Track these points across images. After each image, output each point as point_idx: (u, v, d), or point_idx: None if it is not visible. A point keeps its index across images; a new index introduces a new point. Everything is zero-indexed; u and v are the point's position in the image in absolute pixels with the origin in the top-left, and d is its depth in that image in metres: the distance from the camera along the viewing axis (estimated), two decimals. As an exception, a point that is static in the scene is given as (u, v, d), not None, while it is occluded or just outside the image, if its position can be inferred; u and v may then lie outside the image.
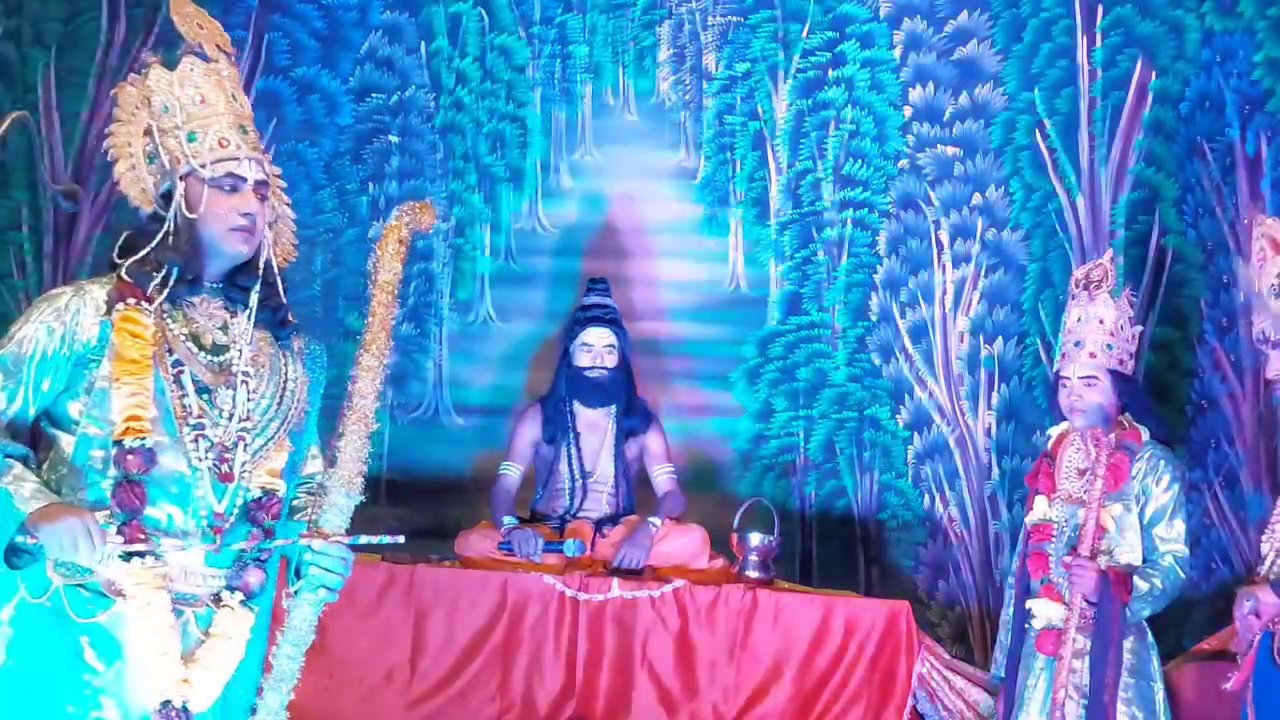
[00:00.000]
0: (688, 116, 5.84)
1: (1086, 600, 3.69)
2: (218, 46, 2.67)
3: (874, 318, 5.69)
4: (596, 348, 5.16)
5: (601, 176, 5.89)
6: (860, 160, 5.71)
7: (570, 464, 5.15)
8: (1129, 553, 3.77)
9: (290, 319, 2.75)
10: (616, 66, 5.88)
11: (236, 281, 2.65)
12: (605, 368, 5.15)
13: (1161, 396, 5.03)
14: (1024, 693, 3.87)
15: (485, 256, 5.92)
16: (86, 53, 5.74)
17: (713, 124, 5.82)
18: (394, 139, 5.90)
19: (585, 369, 5.15)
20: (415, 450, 5.83)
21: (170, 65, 2.64)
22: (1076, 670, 3.71)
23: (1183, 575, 3.75)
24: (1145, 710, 3.73)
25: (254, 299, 2.65)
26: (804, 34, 5.74)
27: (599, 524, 5.02)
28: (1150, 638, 3.81)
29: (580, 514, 5.08)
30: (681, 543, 4.93)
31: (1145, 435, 3.87)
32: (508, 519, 4.93)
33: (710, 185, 5.83)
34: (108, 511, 2.45)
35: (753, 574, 4.84)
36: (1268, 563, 3.29)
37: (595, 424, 5.19)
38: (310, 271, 5.82)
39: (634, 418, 5.19)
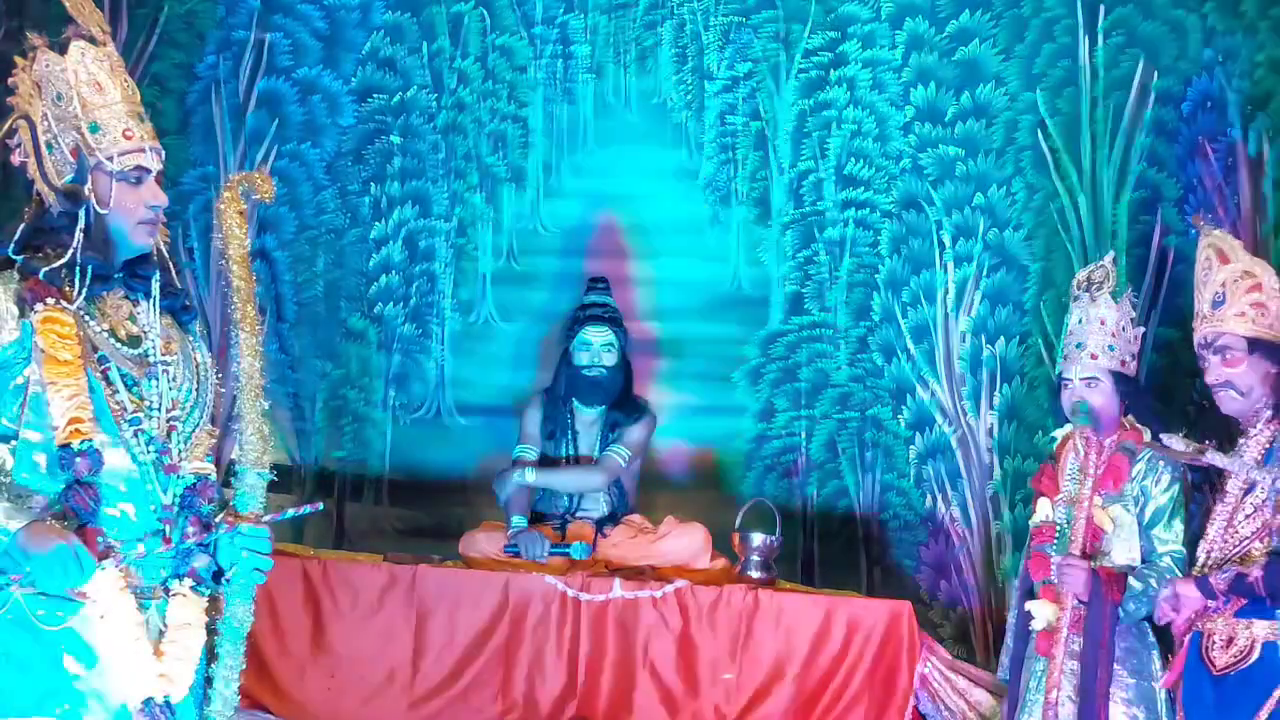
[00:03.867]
0: (689, 116, 5.83)
1: (1077, 599, 3.69)
2: (101, 29, 2.58)
3: (876, 318, 5.68)
4: (595, 346, 5.16)
5: (603, 177, 5.88)
6: (862, 160, 5.70)
7: (568, 463, 5.15)
8: (1126, 553, 3.77)
9: (189, 304, 2.73)
10: (618, 67, 5.88)
11: (136, 271, 2.60)
12: (604, 366, 5.15)
13: (1163, 397, 5.03)
14: (1026, 695, 3.87)
15: (487, 256, 5.91)
16: (88, 53, 5.72)
17: (714, 124, 5.81)
18: (396, 139, 5.90)
19: (584, 368, 5.15)
20: (417, 451, 5.84)
21: (57, 48, 2.55)
22: (1073, 671, 3.71)
23: (1180, 575, 3.75)
24: (1146, 710, 3.73)
25: (155, 287, 2.62)
26: (806, 34, 5.74)
27: (599, 524, 5.03)
28: (1152, 638, 3.81)
29: (579, 513, 5.09)
30: (683, 542, 4.93)
31: (1147, 436, 3.86)
32: (516, 518, 4.94)
33: (712, 185, 5.82)
34: (61, 514, 2.42)
35: (754, 574, 4.84)
36: (1198, 565, 3.33)
37: (593, 422, 5.19)
38: (313, 271, 5.82)
39: (619, 411, 5.17)
